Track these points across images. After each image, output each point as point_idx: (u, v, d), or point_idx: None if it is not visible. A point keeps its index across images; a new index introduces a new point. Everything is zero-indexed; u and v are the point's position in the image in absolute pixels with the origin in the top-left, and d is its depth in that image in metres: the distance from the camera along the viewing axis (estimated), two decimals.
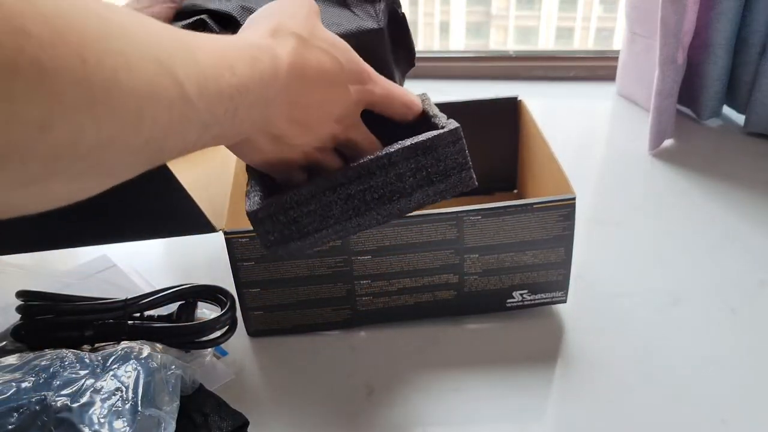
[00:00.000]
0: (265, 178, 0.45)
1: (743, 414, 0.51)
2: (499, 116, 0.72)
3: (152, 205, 0.56)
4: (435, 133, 0.42)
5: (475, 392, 0.54)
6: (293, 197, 0.41)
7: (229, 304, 0.55)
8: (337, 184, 0.41)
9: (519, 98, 0.72)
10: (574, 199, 0.55)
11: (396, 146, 0.42)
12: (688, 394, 0.53)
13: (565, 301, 0.60)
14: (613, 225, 0.75)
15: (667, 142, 0.91)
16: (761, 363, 0.56)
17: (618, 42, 1.29)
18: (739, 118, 0.95)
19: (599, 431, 0.50)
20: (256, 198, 0.43)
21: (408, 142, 0.42)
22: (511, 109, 0.72)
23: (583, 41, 1.48)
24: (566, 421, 0.52)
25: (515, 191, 0.76)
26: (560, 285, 0.59)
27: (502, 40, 1.51)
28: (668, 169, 0.86)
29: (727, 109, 0.98)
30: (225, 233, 0.55)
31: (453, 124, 0.43)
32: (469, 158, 0.44)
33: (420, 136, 0.43)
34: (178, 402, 0.46)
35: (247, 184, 0.45)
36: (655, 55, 0.85)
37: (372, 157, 0.42)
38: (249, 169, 0.46)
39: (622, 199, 0.80)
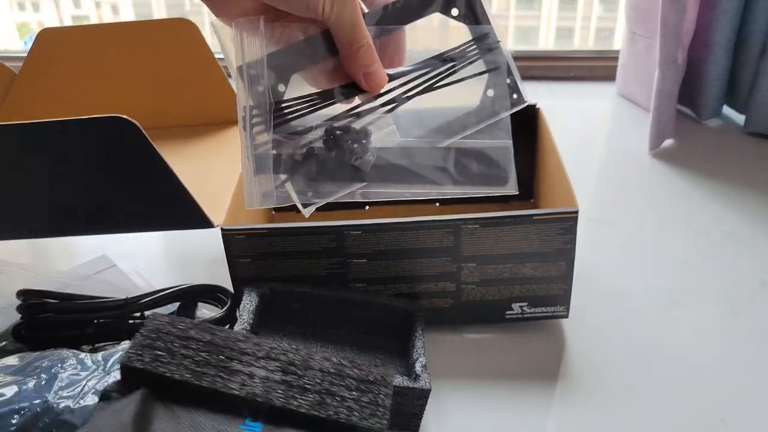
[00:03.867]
0: None
1: (743, 414, 0.51)
2: (517, 123, 0.70)
3: (150, 198, 0.56)
4: (410, 384, 0.46)
5: (475, 397, 0.54)
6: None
7: (229, 303, 0.55)
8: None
9: (537, 105, 0.69)
10: (576, 212, 0.54)
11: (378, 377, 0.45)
12: (689, 394, 0.53)
13: (566, 316, 0.59)
14: (612, 225, 0.75)
15: (667, 142, 0.91)
16: (762, 363, 0.56)
17: (618, 42, 1.29)
18: (739, 118, 0.95)
19: (600, 429, 0.51)
20: None
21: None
22: (529, 115, 0.70)
23: (583, 41, 1.48)
24: (567, 423, 0.52)
25: (532, 200, 0.74)
26: (561, 299, 0.58)
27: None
28: (668, 169, 0.86)
29: (727, 109, 0.98)
30: (222, 229, 0.55)
31: (428, 382, 0.47)
32: (422, 415, 0.48)
33: (397, 377, 0.46)
34: None
35: None
36: (655, 55, 0.85)
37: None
38: None
39: (622, 199, 0.80)
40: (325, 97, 0.37)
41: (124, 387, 0.38)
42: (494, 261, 0.56)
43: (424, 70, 0.38)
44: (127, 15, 1.69)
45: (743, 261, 0.68)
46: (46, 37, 0.83)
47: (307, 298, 0.56)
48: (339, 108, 0.37)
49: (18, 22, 1.75)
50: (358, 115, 0.37)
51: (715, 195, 0.79)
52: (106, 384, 0.41)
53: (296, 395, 0.38)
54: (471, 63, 0.39)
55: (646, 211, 0.78)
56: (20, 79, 0.84)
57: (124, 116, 0.49)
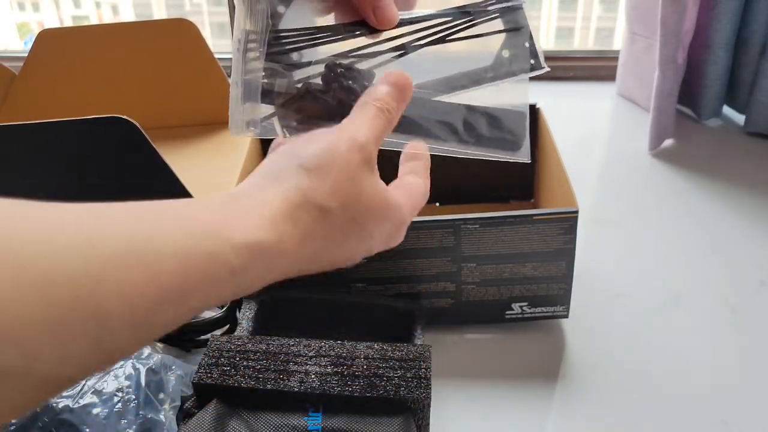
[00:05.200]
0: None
1: (743, 414, 0.51)
2: None
3: (149, 198, 0.56)
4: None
5: (475, 397, 0.54)
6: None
7: (228, 302, 0.55)
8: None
9: (537, 105, 0.69)
10: (576, 212, 0.54)
11: None
12: (689, 395, 0.53)
13: (566, 316, 0.59)
14: (612, 225, 0.75)
15: (667, 142, 0.91)
16: (761, 363, 0.56)
17: (618, 42, 1.29)
18: (739, 118, 0.95)
19: (600, 428, 0.51)
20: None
21: None
22: (529, 115, 0.69)
23: (583, 41, 1.48)
24: (567, 423, 0.52)
25: (532, 200, 0.74)
26: (561, 299, 0.58)
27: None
28: (668, 168, 0.86)
29: (727, 109, 0.98)
30: None
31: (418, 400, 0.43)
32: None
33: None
34: (179, 402, 0.46)
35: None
36: (655, 55, 0.85)
37: None
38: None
39: (622, 199, 0.80)
40: (329, 32, 0.34)
41: (198, 402, 0.44)
42: (494, 261, 0.56)
43: (439, 20, 0.35)
44: (127, 15, 1.69)
45: (743, 261, 0.68)
46: (46, 38, 0.83)
47: (306, 303, 0.56)
48: (343, 47, 0.34)
49: (18, 22, 1.75)
50: (364, 57, 0.34)
51: (714, 194, 0.79)
52: (186, 403, 0.45)
53: (348, 382, 0.43)
54: (490, 20, 0.36)
55: (646, 211, 0.78)
56: (20, 79, 0.84)
57: (124, 116, 0.49)
